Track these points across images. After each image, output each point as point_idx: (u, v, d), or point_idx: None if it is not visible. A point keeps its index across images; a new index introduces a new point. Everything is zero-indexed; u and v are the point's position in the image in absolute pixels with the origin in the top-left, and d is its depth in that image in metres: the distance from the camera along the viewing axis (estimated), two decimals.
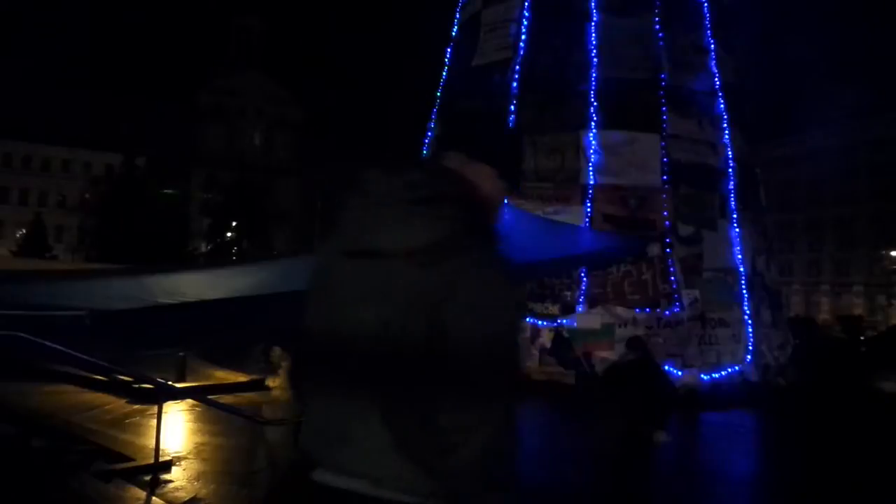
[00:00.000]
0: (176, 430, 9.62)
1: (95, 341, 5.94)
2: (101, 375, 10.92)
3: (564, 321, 16.07)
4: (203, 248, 52.14)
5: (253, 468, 8.11)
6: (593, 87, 17.38)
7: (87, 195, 58.04)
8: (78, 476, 6.62)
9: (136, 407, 10.65)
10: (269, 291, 5.84)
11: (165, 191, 53.94)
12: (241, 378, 13.89)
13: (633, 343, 6.86)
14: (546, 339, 16.08)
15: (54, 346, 5.69)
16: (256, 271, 7.12)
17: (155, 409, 7.51)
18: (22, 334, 5.22)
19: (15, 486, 6.00)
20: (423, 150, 21.45)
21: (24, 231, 53.25)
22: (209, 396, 10.03)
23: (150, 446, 7.42)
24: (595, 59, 17.59)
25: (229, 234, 51.42)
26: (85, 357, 6.98)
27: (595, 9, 17.95)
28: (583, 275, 16.02)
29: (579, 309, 16.11)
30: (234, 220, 51.30)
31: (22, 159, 66.99)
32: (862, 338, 25.89)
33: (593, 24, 17.85)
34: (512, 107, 17.69)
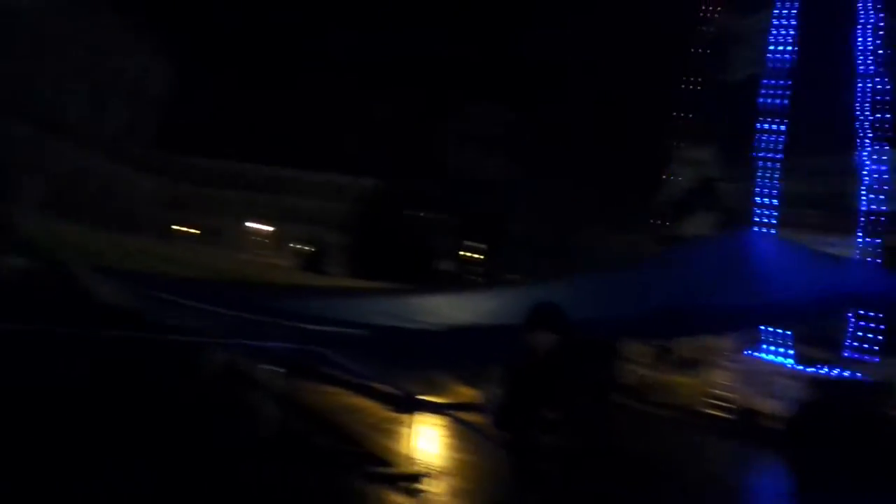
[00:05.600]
0: (428, 442, 10.23)
1: (372, 354, 6.65)
2: (363, 380, 12.01)
3: (837, 370, 14.19)
4: (448, 267, 55.18)
5: (503, 497, 8.41)
6: (867, 101, 15.39)
7: (346, 216, 64.92)
8: (350, 477, 7.41)
9: (392, 415, 11.57)
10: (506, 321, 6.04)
11: (414, 212, 58.20)
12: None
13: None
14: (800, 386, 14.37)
15: (339, 358, 6.50)
16: (499, 297, 7.44)
17: (409, 418, 8.17)
18: (315, 347, 6.10)
19: (299, 480, 6.90)
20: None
21: (300, 246, 60.66)
22: (456, 413, 10.54)
23: (405, 454, 8.07)
24: (870, 69, 15.58)
25: (472, 255, 53.94)
26: (352, 364, 7.82)
27: (867, 10, 15.89)
28: (853, 317, 14.05)
29: (858, 356, 14.08)
30: (476, 241, 53.71)
31: (287, 182, 76.66)
32: None
33: (867, 27, 15.83)
34: (766, 125, 16.31)
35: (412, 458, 8.00)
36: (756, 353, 15.26)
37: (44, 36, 29.68)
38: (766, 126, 16.71)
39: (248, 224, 65.24)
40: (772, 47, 17.30)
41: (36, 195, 29.04)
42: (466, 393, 14.61)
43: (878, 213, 14.96)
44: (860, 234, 14.84)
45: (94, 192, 35.07)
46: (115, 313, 7.58)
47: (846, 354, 14.31)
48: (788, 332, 14.70)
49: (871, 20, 15.65)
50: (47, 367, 7.78)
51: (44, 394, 7.30)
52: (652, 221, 20.98)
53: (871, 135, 15.19)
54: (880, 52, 15.48)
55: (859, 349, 14.20)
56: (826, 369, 14.28)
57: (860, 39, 15.79)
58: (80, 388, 7.84)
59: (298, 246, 63.41)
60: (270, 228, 67.19)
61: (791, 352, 14.85)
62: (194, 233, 61.04)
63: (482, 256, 54.52)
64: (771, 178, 16.51)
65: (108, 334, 7.03)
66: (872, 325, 14.21)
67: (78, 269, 8.55)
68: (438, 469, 8.85)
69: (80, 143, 33.22)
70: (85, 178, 34.51)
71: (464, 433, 10.25)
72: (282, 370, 6.67)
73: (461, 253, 54.90)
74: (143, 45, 39.83)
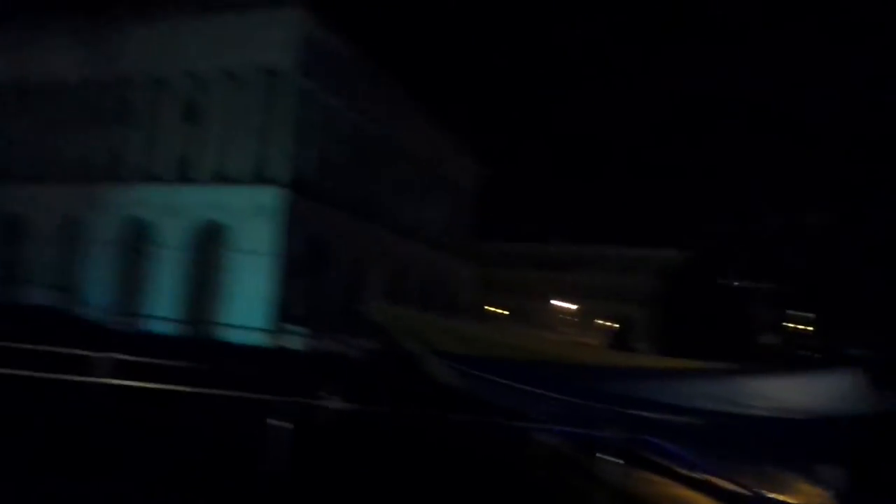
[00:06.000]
0: None
1: (704, 443, 6.25)
2: (698, 472, 11.20)
3: None
4: (772, 340, 49.94)
5: None
6: None
7: (650, 289, 63.04)
8: None
9: None
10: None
11: (727, 280, 54.25)
12: None
13: None
14: None
15: (671, 447, 6.22)
16: (842, 377, 6.49)
17: None
18: (647, 436, 5.93)
19: None
20: None
21: (606, 322, 60.47)
22: None
23: None
24: None
25: (799, 326, 48.16)
26: (686, 453, 7.36)
27: None
28: None
29: None
30: (803, 309, 47.93)
31: (588, 258, 76.89)
32: None
33: None
34: None
35: None
36: None
37: (385, 152, 35.26)
38: None
39: (553, 302, 67.30)
40: None
41: (380, 284, 33.80)
42: (813, 492, 12.57)
43: None
44: None
45: (421, 279, 39.63)
46: (450, 395, 8.28)
47: None
48: None
49: None
50: (387, 444, 8.74)
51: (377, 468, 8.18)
52: None
53: None
54: None
55: None
56: None
57: None
58: (414, 467, 8.56)
59: (604, 322, 63.19)
60: (574, 306, 68.27)
61: None
62: (504, 313, 64.77)
63: (812, 327, 48.19)
64: None
65: (447, 417, 7.69)
66: None
67: (420, 352, 9.58)
68: None
69: (408, 237, 38.09)
70: (413, 267, 39.27)
71: None
72: (620, 461, 6.56)
73: (785, 324, 49.16)
74: (457, 149, 44.97)
